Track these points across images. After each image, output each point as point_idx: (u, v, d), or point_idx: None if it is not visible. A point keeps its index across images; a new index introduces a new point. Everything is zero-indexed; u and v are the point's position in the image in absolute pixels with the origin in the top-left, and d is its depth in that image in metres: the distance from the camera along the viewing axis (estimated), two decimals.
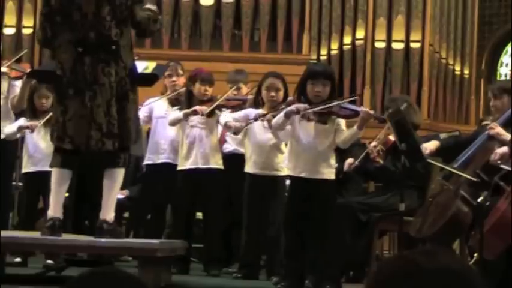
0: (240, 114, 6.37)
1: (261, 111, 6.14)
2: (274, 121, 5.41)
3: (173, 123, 6.43)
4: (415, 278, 1.49)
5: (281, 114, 5.26)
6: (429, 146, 5.91)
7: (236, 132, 6.22)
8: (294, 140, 5.30)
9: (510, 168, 5.18)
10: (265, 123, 5.96)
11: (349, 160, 6.34)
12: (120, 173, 5.02)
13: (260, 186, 6.06)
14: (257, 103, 6.24)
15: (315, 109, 5.17)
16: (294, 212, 5.25)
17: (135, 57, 5.24)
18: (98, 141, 4.78)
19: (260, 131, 6.13)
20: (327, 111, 5.19)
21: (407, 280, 1.50)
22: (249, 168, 6.17)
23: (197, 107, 6.30)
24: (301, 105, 5.16)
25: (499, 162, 5.35)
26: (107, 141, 4.79)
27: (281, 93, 6.12)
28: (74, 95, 4.83)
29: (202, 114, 6.26)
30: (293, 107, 5.18)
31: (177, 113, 6.40)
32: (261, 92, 6.20)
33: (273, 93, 6.12)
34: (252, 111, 6.26)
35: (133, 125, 4.92)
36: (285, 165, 5.81)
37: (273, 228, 6.01)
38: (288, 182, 5.70)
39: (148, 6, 5.06)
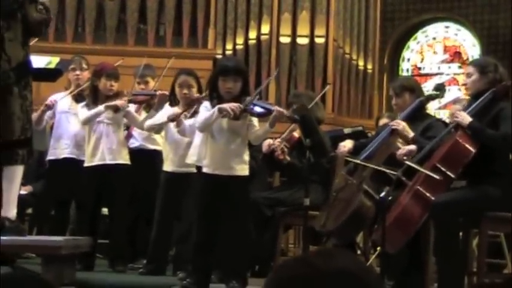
0: (157, 118, 6.26)
1: (176, 109, 6.09)
2: (202, 120, 5.26)
3: (90, 121, 6.34)
4: (313, 280, 1.50)
5: (214, 113, 5.14)
6: (347, 145, 5.96)
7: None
8: (208, 138, 5.27)
9: (415, 166, 5.28)
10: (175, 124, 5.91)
11: (269, 141, 6.30)
12: (18, 170, 4.93)
13: (175, 183, 6.04)
14: (171, 101, 6.21)
15: (244, 107, 5.10)
16: (207, 208, 5.23)
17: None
18: None
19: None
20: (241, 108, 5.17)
21: (306, 283, 1.50)
22: (167, 166, 6.14)
23: (118, 102, 6.24)
24: (237, 107, 5.07)
25: (404, 158, 5.45)
26: None
27: (194, 90, 6.08)
28: None
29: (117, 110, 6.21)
30: (228, 107, 5.08)
31: (90, 111, 6.29)
32: (174, 90, 6.16)
33: (185, 91, 6.08)
34: (166, 111, 6.22)
35: (17, 120, 4.79)
36: (191, 161, 5.79)
37: (184, 224, 5.99)
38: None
39: (41, 6, 4.93)
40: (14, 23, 4.81)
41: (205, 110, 5.29)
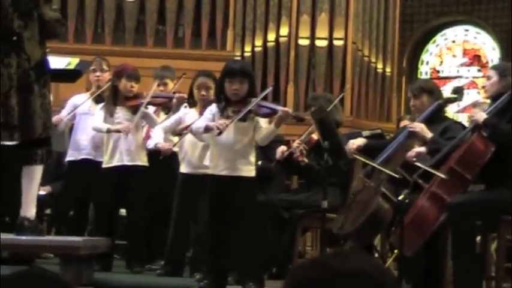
0: (171, 121, 6.28)
1: (193, 110, 6.10)
2: (195, 128, 5.38)
3: (97, 131, 6.42)
4: (329, 281, 1.50)
5: (202, 127, 5.23)
6: (356, 142, 5.97)
7: (167, 152, 6.19)
8: (214, 139, 5.28)
9: (424, 167, 5.27)
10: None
11: (282, 148, 6.33)
12: (38, 170, 4.94)
13: (192, 185, 6.03)
14: (189, 103, 6.20)
15: (237, 117, 5.14)
16: (216, 209, 5.24)
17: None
18: None
19: None
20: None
21: (322, 284, 1.50)
22: (183, 168, 6.14)
23: (120, 127, 6.26)
24: (223, 124, 5.11)
25: (414, 159, 5.44)
26: (3, 132, 4.70)
27: (212, 92, 6.07)
28: None
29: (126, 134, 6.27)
30: (214, 125, 5.13)
31: (101, 124, 6.36)
32: (192, 92, 6.17)
33: (203, 92, 6.07)
34: (183, 113, 6.23)
35: (38, 118, 4.79)
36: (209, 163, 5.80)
37: (201, 225, 5.98)
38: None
39: (55, 7, 4.96)
40: (31, 22, 4.82)
41: (210, 113, 5.32)
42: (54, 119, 6.66)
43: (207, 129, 5.18)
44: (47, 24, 4.86)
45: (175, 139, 6.49)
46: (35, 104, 4.77)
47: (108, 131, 6.31)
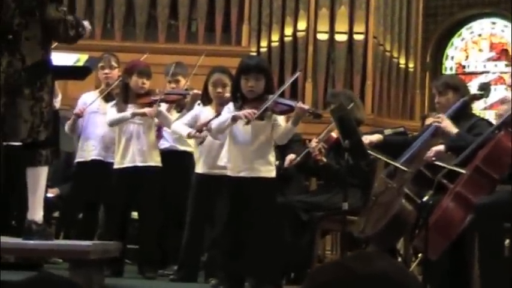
0: (188, 117, 6.14)
1: (209, 108, 5.99)
2: (216, 124, 5.29)
3: (116, 124, 6.25)
4: (350, 285, 1.48)
5: (227, 120, 5.15)
6: (370, 137, 5.90)
7: (202, 141, 6.02)
8: (231, 139, 5.22)
9: (445, 165, 5.16)
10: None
11: (290, 156, 6.28)
12: (42, 172, 4.83)
13: (207, 186, 5.94)
14: (204, 101, 6.08)
15: (261, 111, 5.06)
16: (234, 212, 5.15)
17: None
18: None
19: None
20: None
21: (342, 287, 1.48)
22: (199, 168, 6.03)
23: (146, 110, 6.17)
24: (251, 113, 5.03)
25: (433, 159, 5.34)
26: None
27: (228, 89, 5.95)
28: None
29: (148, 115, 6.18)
30: (242, 114, 5.06)
31: (119, 115, 6.21)
32: (207, 89, 6.02)
33: (219, 89, 5.97)
34: (199, 110, 6.09)
35: (23, 122, 4.67)
36: (223, 163, 5.66)
37: (217, 228, 5.84)
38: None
39: (64, 8, 4.78)
40: (33, 21, 4.69)
41: (228, 111, 5.25)
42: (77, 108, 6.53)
43: (235, 119, 5.10)
44: (49, 24, 4.71)
45: (190, 141, 6.35)
46: (21, 107, 4.65)
47: (134, 115, 6.19)
